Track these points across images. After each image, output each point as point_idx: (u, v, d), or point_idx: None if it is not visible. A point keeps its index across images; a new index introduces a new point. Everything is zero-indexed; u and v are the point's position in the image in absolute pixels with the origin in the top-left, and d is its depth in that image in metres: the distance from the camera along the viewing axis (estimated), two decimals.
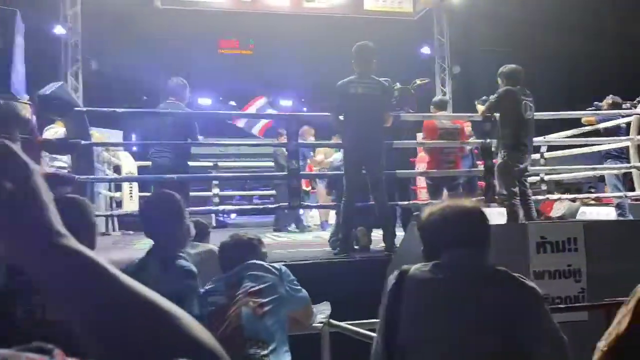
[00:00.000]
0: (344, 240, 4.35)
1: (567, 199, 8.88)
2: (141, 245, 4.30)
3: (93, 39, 9.92)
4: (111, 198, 8.11)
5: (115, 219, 7.41)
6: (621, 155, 6.45)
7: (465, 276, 1.46)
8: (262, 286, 2.08)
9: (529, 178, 5.51)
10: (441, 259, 1.48)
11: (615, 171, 6.39)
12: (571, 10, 11.32)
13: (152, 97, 10.74)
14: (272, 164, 8.16)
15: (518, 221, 4.90)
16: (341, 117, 4.52)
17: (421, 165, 6.19)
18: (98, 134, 6.79)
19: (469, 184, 6.69)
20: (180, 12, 10.11)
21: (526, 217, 5.01)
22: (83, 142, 4.36)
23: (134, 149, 10.04)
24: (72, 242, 0.56)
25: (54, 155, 5.57)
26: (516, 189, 4.96)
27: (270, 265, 2.21)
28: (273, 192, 8.73)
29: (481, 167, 5.69)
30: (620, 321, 1.80)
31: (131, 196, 7.83)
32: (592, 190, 12.02)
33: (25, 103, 4.09)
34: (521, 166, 4.92)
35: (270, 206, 5.96)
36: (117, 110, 4.65)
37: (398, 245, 4.18)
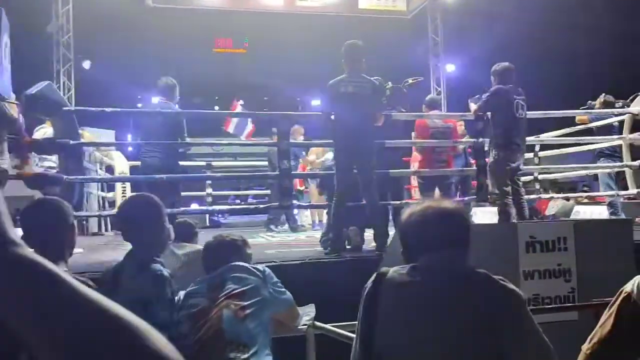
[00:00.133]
0: (334, 240, 4.32)
1: (560, 197, 8.90)
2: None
3: (85, 38, 9.87)
4: (103, 198, 8.07)
5: (108, 219, 7.36)
6: (614, 153, 6.44)
7: (444, 279, 1.43)
8: (244, 288, 2.06)
9: (522, 177, 5.50)
10: (419, 261, 1.45)
11: (607, 170, 6.38)
12: (566, 9, 11.33)
13: (145, 96, 10.71)
14: (266, 163, 8.13)
15: (510, 220, 4.89)
16: (332, 117, 4.49)
17: (415, 165, 6.18)
18: (89, 134, 6.75)
19: (463, 183, 6.69)
20: (173, 11, 10.08)
21: (519, 216, 5.00)
22: (71, 142, 4.32)
23: (130, 149, 9.99)
24: (27, 251, 0.53)
25: (43, 156, 5.52)
26: (508, 188, 4.94)
27: (254, 267, 2.18)
28: (268, 191, 8.71)
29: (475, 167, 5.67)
30: (604, 324, 1.78)
31: (124, 196, 7.78)
32: (586, 189, 12.04)
33: (13, 103, 4.05)
34: (513, 165, 4.90)
35: (261, 206, 5.91)
36: (106, 109, 4.61)
37: (388, 245, 4.16)
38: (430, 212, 1.50)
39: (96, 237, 7.28)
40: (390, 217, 5.63)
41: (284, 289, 2.25)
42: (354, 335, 2.24)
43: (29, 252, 0.53)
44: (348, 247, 4.66)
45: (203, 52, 13.29)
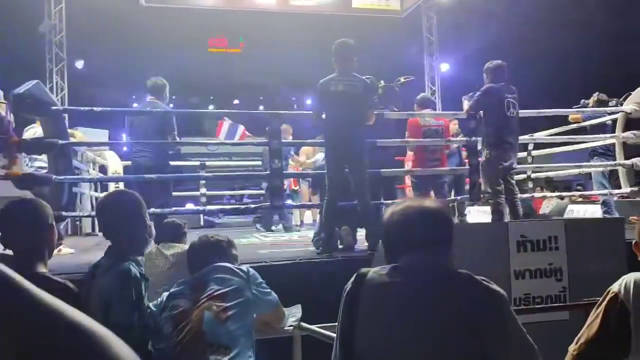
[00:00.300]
0: (326, 240, 4.30)
1: (554, 196, 8.91)
2: None
3: (78, 37, 9.82)
4: (97, 198, 8.01)
5: None
6: (607, 152, 6.43)
7: (425, 279, 1.39)
8: (227, 289, 2.02)
9: (515, 176, 5.48)
10: (400, 261, 1.42)
11: (601, 168, 6.37)
12: (559, 8, 11.33)
13: (140, 96, 10.65)
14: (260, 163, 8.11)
15: (503, 219, 4.88)
16: (323, 116, 4.46)
17: (409, 164, 6.16)
18: (80, 134, 6.71)
19: (457, 182, 6.67)
20: (167, 10, 10.05)
21: (512, 215, 4.98)
22: (60, 141, 4.28)
23: (125, 148, 9.95)
24: None
25: (33, 156, 5.47)
26: (501, 187, 4.93)
27: (237, 268, 2.15)
28: (263, 191, 8.68)
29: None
30: (591, 324, 1.76)
31: None
32: (579, 188, 12.05)
33: (1, 102, 4.01)
34: (505, 164, 4.89)
35: (252, 205, 5.88)
36: (95, 109, 4.56)
37: (380, 245, 4.13)
38: (412, 212, 1.47)
39: (89, 237, 7.24)
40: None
41: (269, 290, 2.21)
42: None
43: None
44: (340, 246, 4.64)
45: (197, 52, 13.24)
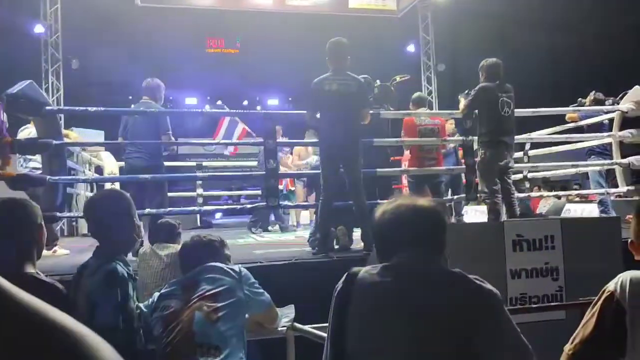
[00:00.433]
0: (322, 240, 4.28)
1: (551, 196, 8.90)
2: None
3: (74, 37, 9.78)
4: None
5: None
6: (604, 151, 6.42)
7: (416, 279, 1.37)
8: (218, 289, 2.00)
9: (512, 176, 5.46)
10: (391, 260, 1.39)
11: (597, 168, 6.36)
12: (555, 7, 11.33)
13: (135, 96, 10.60)
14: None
15: (499, 219, 4.86)
16: (317, 115, 4.44)
17: (406, 164, 6.15)
18: (75, 134, 6.67)
19: (454, 181, 6.65)
20: (163, 10, 10.02)
21: (509, 214, 4.97)
22: (54, 142, 4.25)
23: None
24: None
25: (28, 156, 5.45)
26: (497, 187, 4.91)
27: (229, 268, 2.12)
28: (259, 191, 8.65)
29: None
30: (587, 323, 1.74)
31: None
32: (576, 187, 12.05)
33: None
34: (501, 164, 4.87)
35: (248, 206, 5.85)
36: (90, 109, 4.53)
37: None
38: (403, 210, 1.45)
39: (85, 238, 7.20)
40: None
41: (261, 290, 2.19)
42: None
43: None
44: (336, 247, 4.62)
45: (195, 52, 13.22)
